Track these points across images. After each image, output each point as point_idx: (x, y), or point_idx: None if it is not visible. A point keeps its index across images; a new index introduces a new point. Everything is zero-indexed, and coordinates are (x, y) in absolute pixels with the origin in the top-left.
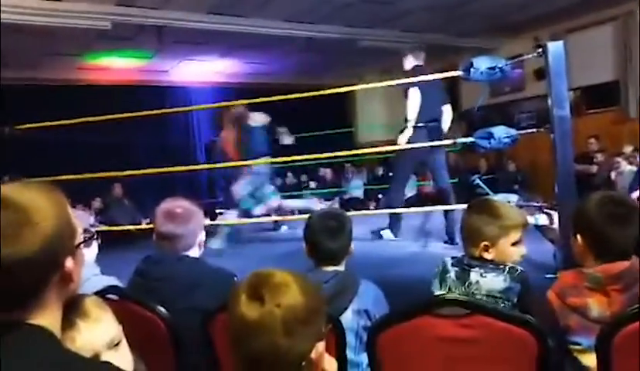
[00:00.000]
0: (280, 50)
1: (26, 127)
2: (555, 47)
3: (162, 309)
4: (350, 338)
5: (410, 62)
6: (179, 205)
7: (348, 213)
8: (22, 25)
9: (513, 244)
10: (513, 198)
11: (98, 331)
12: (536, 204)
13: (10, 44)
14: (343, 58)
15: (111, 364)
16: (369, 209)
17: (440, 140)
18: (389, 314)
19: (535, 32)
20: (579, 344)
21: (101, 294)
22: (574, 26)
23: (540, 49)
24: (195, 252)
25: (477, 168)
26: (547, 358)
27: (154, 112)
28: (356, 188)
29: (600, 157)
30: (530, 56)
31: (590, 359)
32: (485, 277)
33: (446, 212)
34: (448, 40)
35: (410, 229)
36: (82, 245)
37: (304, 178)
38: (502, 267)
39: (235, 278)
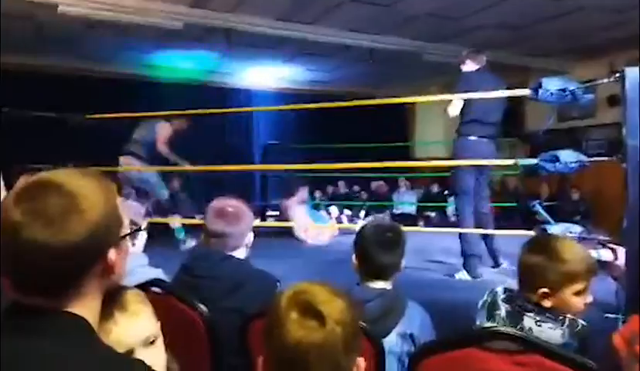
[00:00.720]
0: (342, 59)
1: (97, 117)
2: (633, 73)
3: (203, 307)
4: (392, 363)
5: (468, 67)
6: (231, 204)
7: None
8: (96, 20)
9: (577, 293)
10: (576, 229)
11: (135, 326)
12: (600, 237)
13: (86, 37)
14: (406, 71)
15: (143, 363)
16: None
17: (493, 154)
18: (436, 342)
19: (610, 57)
20: None
21: (145, 286)
22: None
23: (617, 74)
24: (241, 252)
25: (538, 193)
26: None
27: (217, 111)
28: (408, 203)
29: None
30: (605, 80)
31: None
32: (540, 326)
33: (484, 236)
34: (517, 59)
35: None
36: (127, 237)
37: (356, 188)
38: (561, 318)
39: (278, 284)
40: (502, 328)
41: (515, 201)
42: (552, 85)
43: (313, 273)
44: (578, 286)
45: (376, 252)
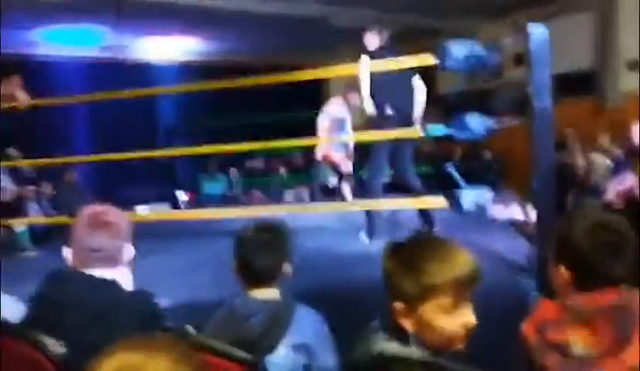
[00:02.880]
0: (244, 28)
1: None
2: (538, 31)
3: (54, 347)
4: None
5: (372, 43)
6: (107, 211)
7: (325, 203)
8: None
9: (446, 311)
10: (487, 194)
11: None
12: (513, 200)
13: None
14: (316, 38)
15: None
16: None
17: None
18: None
19: (513, 16)
20: None
21: None
22: (554, 11)
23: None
24: (122, 271)
25: (451, 155)
26: None
27: (115, 95)
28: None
29: (577, 146)
30: (509, 39)
31: None
32: None
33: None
34: (424, 22)
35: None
36: None
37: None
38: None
39: (156, 303)
40: (403, 353)
41: (431, 165)
42: (458, 52)
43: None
44: (443, 302)
45: (253, 256)
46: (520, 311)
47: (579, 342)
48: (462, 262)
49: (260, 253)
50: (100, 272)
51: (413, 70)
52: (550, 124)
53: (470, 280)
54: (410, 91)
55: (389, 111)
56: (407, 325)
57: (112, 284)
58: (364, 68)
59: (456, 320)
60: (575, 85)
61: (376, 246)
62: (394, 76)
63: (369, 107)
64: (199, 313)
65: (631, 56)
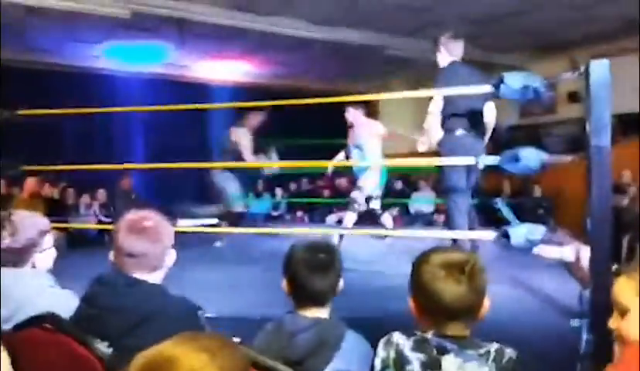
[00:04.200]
0: (302, 53)
1: (28, 113)
2: (599, 67)
3: (102, 347)
4: None
5: (444, 58)
6: (148, 217)
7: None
8: (37, 7)
9: None
10: (540, 230)
11: None
12: (565, 240)
13: (30, 26)
14: (369, 66)
15: None
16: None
17: (481, 148)
18: None
19: (571, 53)
20: None
21: (37, 323)
22: (614, 50)
23: (582, 69)
24: (159, 275)
25: (500, 189)
26: None
27: (172, 107)
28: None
29: (632, 190)
30: (569, 74)
31: None
32: (464, 369)
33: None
34: (480, 55)
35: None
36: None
37: (319, 183)
38: (484, 350)
39: (200, 312)
40: None
41: (479, 198)
42: (514, 81)
43: (256, 284)
44: None
45: (307, 277)
46: (571, 353)
47: None
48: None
49: (316, 274)
50: (139, 276)
51: (485, 95)
52: (608, 163)
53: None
54: (481, 106)
55: (460, 132)
56: (466, 333)
57: (158, 288)
58: (436, 96)
59: None
60: (631, 126)
61: None
62: (468, 97)
63: (435, 131)
64: (241, 327)
65: None
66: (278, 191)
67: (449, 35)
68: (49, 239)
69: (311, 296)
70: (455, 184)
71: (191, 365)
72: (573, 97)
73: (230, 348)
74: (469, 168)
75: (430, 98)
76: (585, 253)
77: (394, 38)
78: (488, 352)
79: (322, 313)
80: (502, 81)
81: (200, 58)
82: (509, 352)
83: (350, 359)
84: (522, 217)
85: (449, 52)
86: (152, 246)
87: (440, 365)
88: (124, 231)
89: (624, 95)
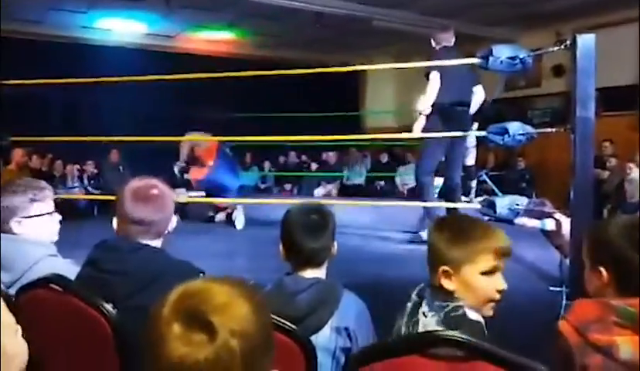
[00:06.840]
0: (289, 23)
1: (15, 84)
2: (585, 41)
3: (109, 307)
4: (325, 360)
5: (450, 40)
6: (153, 184)
7: (349, 200)
8: None
9: (484, 273)
10: (523, 201)
11: None
12: (547, 210)
13: None
14: (356, 37)
15: None
16: (369, 197)
17: (468, 126)
18: (375, 348)
19: (556, 26)
20: None
21: (44, 283)
22: (599, 23)
23: (568, 43)
24: (159, 241)
25: (484, 162)
26: None
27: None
28: (358, 174)
29: (613, 162)
30: (555, 48)
31: None
32: (426, 316)
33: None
34: (466, 27)
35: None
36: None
37: (304, 158)
38: (447, 304)
39: (202, 275)
40: (448, 333)
41: (463, 170)
42: (502, 53)
43: (250, 254)
44: (483, 264)
45: (302, 237)
46: (550, 319)
47: (627, 344)
48: (501, 235)
49: (310, 234)
50: (142, 242)
51: (471, 70)
52: (591, 135)
53: (506, 251)
54: (470, 89)
55: (448, 107)
56: (449, 285)
57: (162, 252)
58: (434, 74)
59: (491, 284)
60: (616, 100)
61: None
62: (457, 76)
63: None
64: None
65: None
66: (266, 164)
67: (439, 29)
68: (40, 206)
69: (307, 257)
70: (433, 165)
71: (225, 291)
72: (557, 71)
73: (252, 286)
74: (452, 143)
75: (417, 71)
76: (566, 223)
77: (380, 9)
78: (448, 305)
79: (319, 273)
80: (490, 53)
81: (186, 28)
82: (464, 312)
83: (347, 316)
84: (506, 190)
85: (445, 42)
86: (158, 214)
87: (417, 310)
88: (130, 199)
89: (620, 67)
